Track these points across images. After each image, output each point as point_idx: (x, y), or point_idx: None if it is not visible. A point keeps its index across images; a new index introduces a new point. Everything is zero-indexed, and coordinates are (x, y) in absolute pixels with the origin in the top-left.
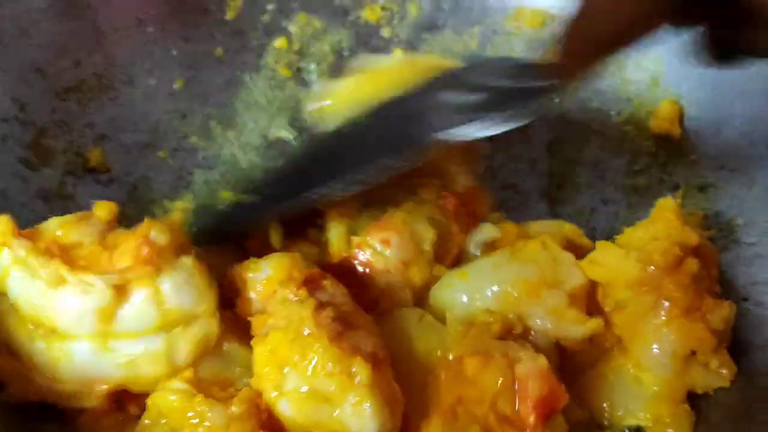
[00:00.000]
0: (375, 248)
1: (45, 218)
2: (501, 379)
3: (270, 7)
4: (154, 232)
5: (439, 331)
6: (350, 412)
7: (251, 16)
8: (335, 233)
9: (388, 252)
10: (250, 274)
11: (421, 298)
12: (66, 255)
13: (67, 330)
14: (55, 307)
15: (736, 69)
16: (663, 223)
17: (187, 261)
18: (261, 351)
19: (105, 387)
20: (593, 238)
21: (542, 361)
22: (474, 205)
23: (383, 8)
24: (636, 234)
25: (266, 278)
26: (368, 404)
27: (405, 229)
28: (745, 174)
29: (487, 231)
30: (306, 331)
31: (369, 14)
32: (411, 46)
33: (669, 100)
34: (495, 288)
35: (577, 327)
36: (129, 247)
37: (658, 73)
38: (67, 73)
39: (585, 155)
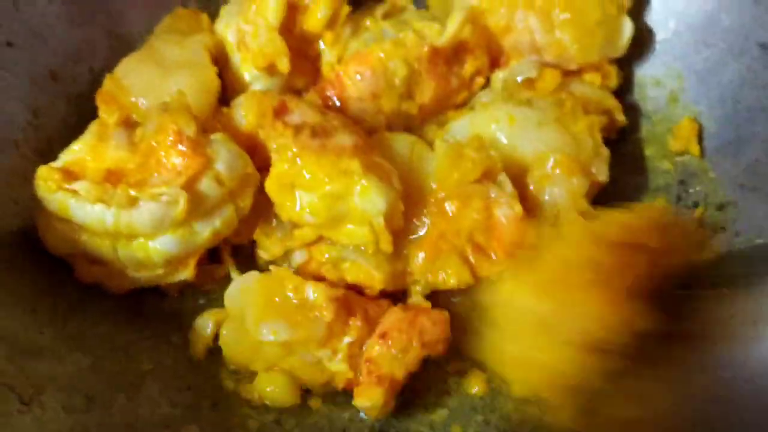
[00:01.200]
0: (352, 77)
1: None
2: (476, 217)
3: None
4: (181, 125)
5: (430, 161)
6: (359, 199)
7: None
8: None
9: (361, 82)
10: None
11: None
12: (121, 178)
13: (152, 232)
14: (134, 221)
15: (759, 87)
16: None
17: (218, 137)
18: (270, 186)
19: (194, 259)
20: None
21: (517, 208)
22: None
23: None
24: None
25: (245, 122)
26: (369, 186)
27: (379, 65)
28: (766, 193)
29: (524, 68)
30: (296, 158)
31: None
32: None
33: (688, 117)
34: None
35: None
36: (169, 149)
37: (678, 90)
38: (81, 79)
39: None
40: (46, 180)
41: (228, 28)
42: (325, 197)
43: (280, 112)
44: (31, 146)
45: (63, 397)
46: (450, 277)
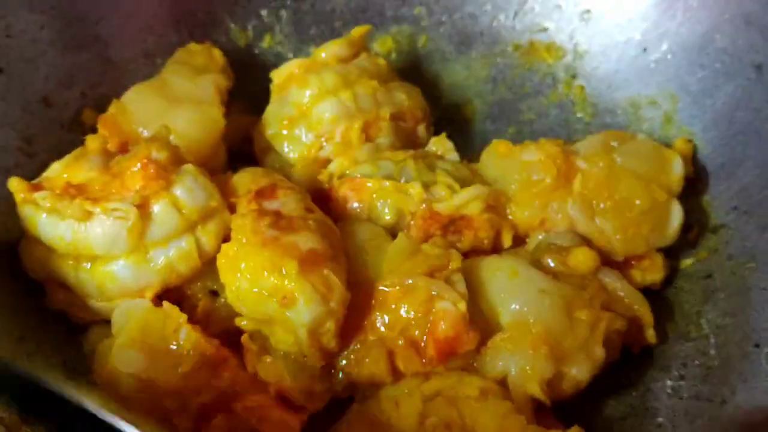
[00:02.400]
0: (343, 196)
1: None
2: (414, 312)
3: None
4: (153, 151)
5: (384, 252)
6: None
7: (260, 48)
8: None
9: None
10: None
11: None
12: (82, 192)
13: (106, 253)
14: (89, 238)
15: (753, 109)
16: None
17: (189, 167)
18: (219, 260)
19: (150, 293)
20: None
21: (462, 306)
22: None
23: (394, 40)
24: None
25: (237, 192)
26: (298, 296)
27: (369, 199)
28: (759, 216)
29: (561, 237)
30: (243, 240)
31: (380, 45)
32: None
33: (682, 138)
34: None
35: None
36: (136, 171)
37: (672, 111)
38: (73, 105)
39: None
40: (16, 191)
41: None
42: (256, 291)
43: (262, 194)
44: (23, 173)
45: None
46: (364, 368)
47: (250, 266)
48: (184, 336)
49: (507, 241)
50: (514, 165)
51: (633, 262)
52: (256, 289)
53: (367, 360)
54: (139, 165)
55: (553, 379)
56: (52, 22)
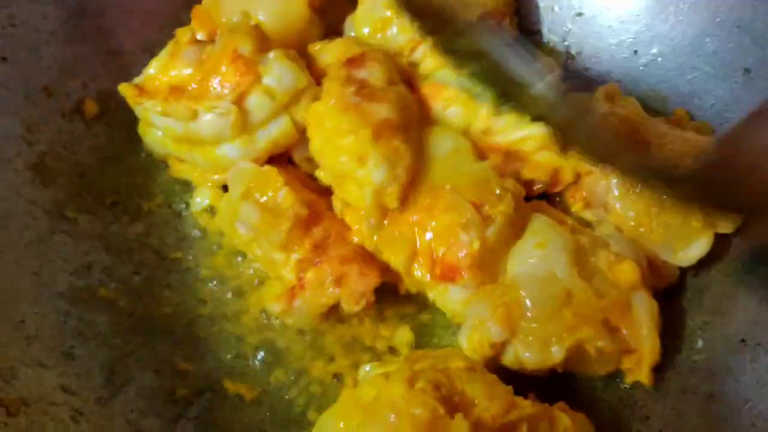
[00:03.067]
0: None
1: (50, 236)
2: (444, 229)
3: None
4: (239, 45)
5: (461, 167)
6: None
7: None
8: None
9: None
10: (320, 56)
11: None
12: (184, 92)
13: (215, 140)
14: (199, 130)
15: (743, 111)
16: None
17: (275, 54)
18: (308, 116)
19: (258, 163)
20: None
21: (475, 246)
22: None
23: None
24: None
25: (328, 60)
26: (369, 158)
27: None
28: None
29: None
30: (331, 102)
31: None
32: None
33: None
34: None
35: None
36: (227, 68)
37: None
38: (74, 95)
39: None
40: (127, 96)
41: None
42: (334, 148)
43: (352, 62)
44: (23, 161)
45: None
46: (387, 251)
47: (331, 126)
48: (282, 196)
49: (566, 179)
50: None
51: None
52: (334, 147)
53: (392, 246)
54: (226, 66)
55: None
56: (55, 13)
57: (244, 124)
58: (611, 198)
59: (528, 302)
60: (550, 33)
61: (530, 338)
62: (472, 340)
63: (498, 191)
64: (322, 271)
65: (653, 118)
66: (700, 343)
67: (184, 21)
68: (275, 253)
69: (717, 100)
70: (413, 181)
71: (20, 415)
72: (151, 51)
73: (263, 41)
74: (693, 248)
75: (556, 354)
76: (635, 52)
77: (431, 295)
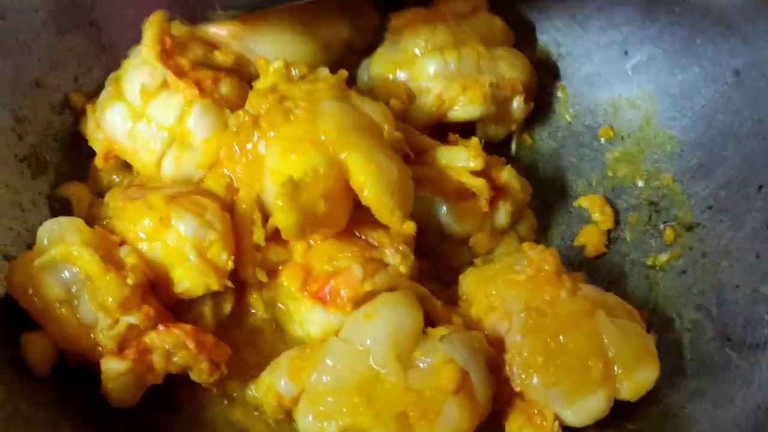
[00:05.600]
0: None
1: (36, 227)
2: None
3: None
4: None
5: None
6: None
7: None
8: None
9: None
10: None
11: None
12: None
13: None
14: None
15: (732, 112)
16: None
17: None
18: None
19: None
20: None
21: (356, 291)
22: None
23: None
24: None
25: None
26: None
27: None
28: (734, 215)
29: None
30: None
31: None
32: None
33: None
34: None
35: None
36: None
37: (652, 113)
38: (65, 88)
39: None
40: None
41: None
42: (146, 232)
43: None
44: (13, 153)
45: None
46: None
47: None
48: (125, 252)
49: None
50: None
51: None
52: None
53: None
54: None
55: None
56: (46, 5)
57: None
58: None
59: (328, 365)
60: (541, 33)
61: (313, 405)
62: (263, 381)
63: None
64: (173, 335)
65: None
66: (686, 344)
67: (174, 15)
68: (100, 312)
69: (707, 100)
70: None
71: None
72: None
73: None
74: (588, 402)
75: (327, 429)
76: (626, 52)
77: (291, 306)
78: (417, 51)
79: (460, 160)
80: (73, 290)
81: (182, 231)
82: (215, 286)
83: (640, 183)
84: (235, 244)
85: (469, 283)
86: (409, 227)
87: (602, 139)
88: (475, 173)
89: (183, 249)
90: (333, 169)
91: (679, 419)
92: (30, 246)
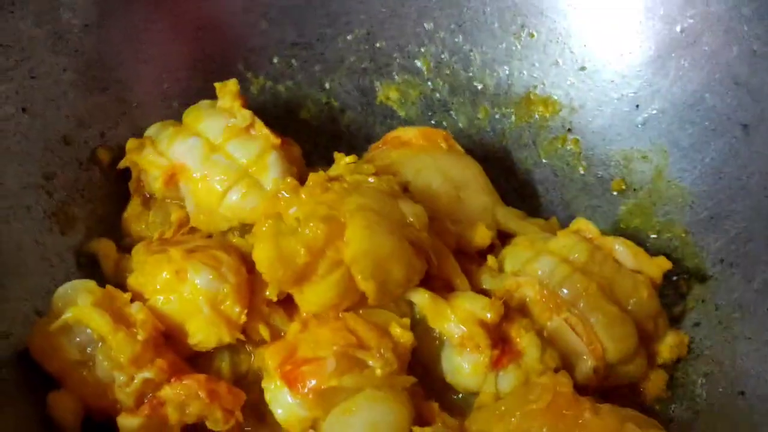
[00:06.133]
0: None
1: (63, 282)
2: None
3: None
4: None
5: None
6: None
7: (273, 93)
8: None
9: None
10: None
11: None
12: None
13: None
14: None
15: (739, 165)
16: None
17: None
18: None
19: None
20: None
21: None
22: None
23: (397, 88)
24: None
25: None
26: (189, 268)
27: None
28: (745, 268)
29: None
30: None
31: (382, 96)
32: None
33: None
34: None
35: None
36: None
37: (663, 166)
38: (92, 144)
39: None
40: None
41: None
42: (163, 284)
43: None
44: (42, 209)
45: None
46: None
47: (151, 275)
48: (135, 308)
49: None
50: None
51: None
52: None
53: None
54: None
55: None
56: (74, 65)
57: None
58: None
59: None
60: (554, 87)
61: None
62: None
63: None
64: (185, 387)
65: None
66: (700, 397)
67: (197, 73)
68: (115, 371)
69: (716, 154)
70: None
71: None
72: (168, 101)
73: None
74: None
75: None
76: (637, 106)
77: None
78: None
79: (476, 306)
80: (89, 351)
81: (198, 284)
82: (227, 338)
83: (653, 235)
84: (250, 300)
85: (480, 426)
86: (405, 337)
87: (614, 192)
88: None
89: (197, 301)
90: (329, 226)
91: None
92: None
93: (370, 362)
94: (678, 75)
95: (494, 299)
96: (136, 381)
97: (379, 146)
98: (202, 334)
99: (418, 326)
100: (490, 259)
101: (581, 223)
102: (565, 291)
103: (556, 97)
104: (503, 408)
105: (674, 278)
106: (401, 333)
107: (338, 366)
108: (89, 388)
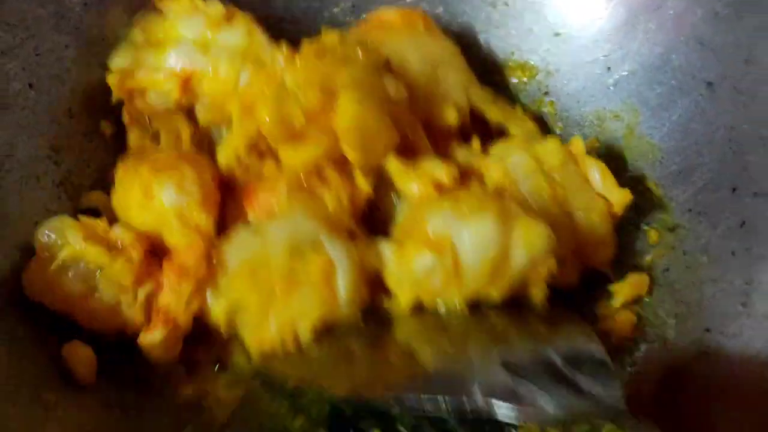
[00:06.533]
0: None
1: None
2: None
3: None
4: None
5: None
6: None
7: None
8: None
9: None
10: None
11: None
12: None
13: None
14: None
15: (705, 121)
16: None
17: None
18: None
19: None
20: None
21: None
22: None
23: None
24: None
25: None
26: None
27: None
28: (711, 216)
29: None
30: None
31: None
32: None
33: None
34: None
35: None
36: None
37: (634, 124)
38: (96, 117)
39: None
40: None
41: None
42: (136, 203)
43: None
44: (50, 179)
45: None
46: None
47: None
48: (118, 230)
49: None
50: None
51: None
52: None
53: None
54: None
55: None
56: (75, 42)
57: None
58: None
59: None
60: (530, 53)
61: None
62: None
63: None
64: (174, 291)
65: None
66: (670, 334)
67: None
68: (120, 294)
69: (683, 111)
70: None
71: None
72: None
73: None
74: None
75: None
76: (608, 68)
77: None
78: None
79: (435, 169)
80: (91, 281)
81: (163, 200)
82: (200, 242)
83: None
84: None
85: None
86: (365, 187)
87: (589, 150)
88: None
89: (167, 215)
90: (324, 95)
91: None
92: None
93: (324, 195)
94: (646, 38)
95: (452, 165)
96: (140, 297)
97: (360, 25)
98: (177, 242)
99: (381, 188)
100: (474, 140)
101: (574, 141)
102: (525, 186)
103: (532, 62)
104: None
105: (645, 227)
106: (362, 182)
107: (291, 193)
108: (97, 313)
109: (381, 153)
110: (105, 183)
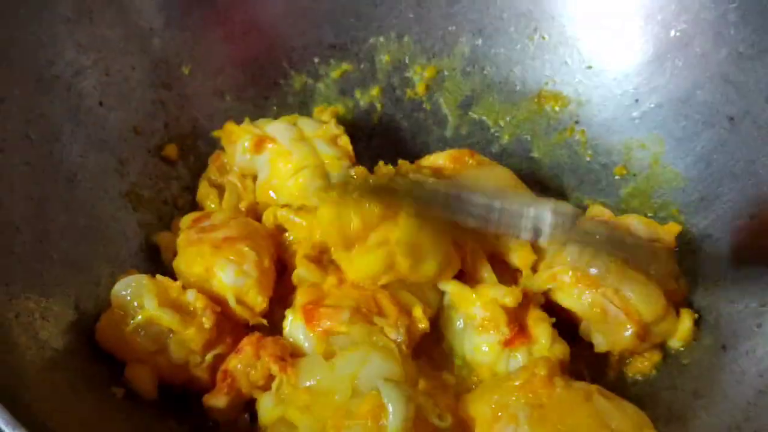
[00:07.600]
0: None
1: (139, 253)
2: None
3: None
4: None
5: None
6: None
7: (312, 89)
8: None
9: None
10: None
11: None
12: None
13: None
14: None
15: (727, 153)
16: None
17: None
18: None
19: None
20: None
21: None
22: None
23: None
24: None
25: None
26: (216, 264)
27: None
28: (726, 242)
29: None
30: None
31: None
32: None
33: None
34: None
35: None
36: None
37: (659, 153)
38: (158, 133)
39: None
40: None
41: None
42: (199, 279)
43: (198, 219)
44: (118, 190)
45: None
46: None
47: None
48: (191, 296)
49: None
50: None
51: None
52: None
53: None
54: None
55: None
56: (141, 64)
57: None
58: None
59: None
60: (563, 84)
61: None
62: None
63: (399, 324)
64: (244, 357)
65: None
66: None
67: (246, 70)
68: (189, 356)
69: (706, 143)
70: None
71: None
72: (220, 95)
73: None
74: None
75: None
76: (636, 101)
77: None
78: None
79: (497, 292)
80: (162, 342)
81: (223, 279)
82: (252, 322)
83: (650, 215)
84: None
85: (474, 398)
86: (423, 322)
87: (617, 176)
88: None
89: (225, 294)
90: (386, 207)
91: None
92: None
93: (384, 328)
94: (673, 73)
95: (513, 287)
96: (208, 358)
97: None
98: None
99: (443, 313)
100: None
101: (596, 209)
102: (594, 270)
103: (565, 93)
104: (490, 385)
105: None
106: (420, 317)
107: (352, 319)
108: (165, 371)
109: (434, 272)
110: (164, 197)
